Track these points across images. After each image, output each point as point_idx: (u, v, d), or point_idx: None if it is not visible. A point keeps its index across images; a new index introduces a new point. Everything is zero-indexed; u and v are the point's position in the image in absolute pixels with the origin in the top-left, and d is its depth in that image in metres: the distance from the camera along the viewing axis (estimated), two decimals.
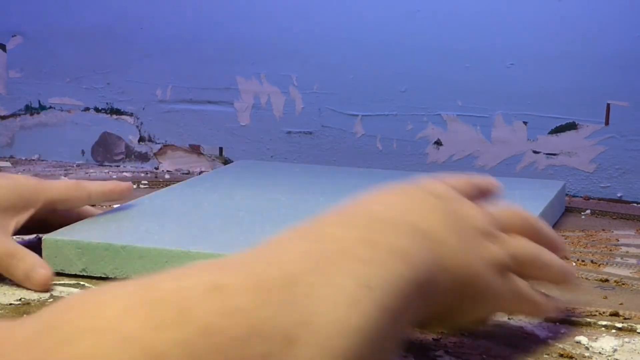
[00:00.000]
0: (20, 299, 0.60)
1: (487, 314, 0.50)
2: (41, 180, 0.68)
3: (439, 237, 0.43)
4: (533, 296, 0.52)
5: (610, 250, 0.74)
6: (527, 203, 0.75)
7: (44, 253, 0.64)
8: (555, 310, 0.54)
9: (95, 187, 0.69)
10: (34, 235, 0.71)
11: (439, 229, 0.44)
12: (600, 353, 0.51)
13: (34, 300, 0.59)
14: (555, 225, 0.82)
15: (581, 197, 0.95)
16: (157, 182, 1.00)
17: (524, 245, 0.51)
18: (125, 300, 0.29)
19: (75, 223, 0.68)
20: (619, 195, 0.94)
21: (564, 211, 0.88)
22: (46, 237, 0.64)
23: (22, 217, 0.64)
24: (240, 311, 0.30)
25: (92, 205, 0.73)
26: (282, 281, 0.33)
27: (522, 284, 0.50)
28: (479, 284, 0.46)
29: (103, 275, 0.63)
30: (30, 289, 0.61)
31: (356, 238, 0.38)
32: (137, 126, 1.11)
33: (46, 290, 0.61)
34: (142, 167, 1.10)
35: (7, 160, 1.12)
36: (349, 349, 0.32)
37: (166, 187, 0.85)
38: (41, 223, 0.67)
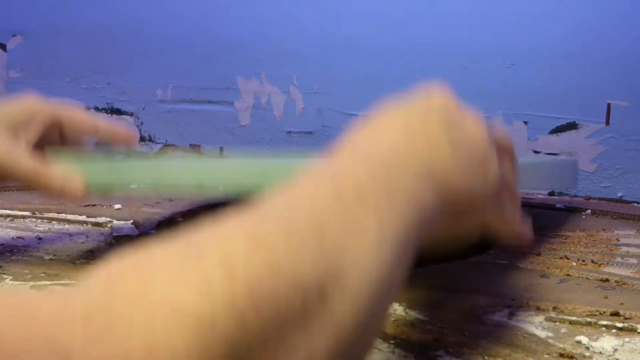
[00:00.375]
0: None
1: (475, 237, 0.50)
2: (44, 99, 0.68)
3: (444, 171, 0.44)
4: (517, 221, 0.52)
5: (611, 250, 0.74)
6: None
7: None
8: (530, 239, 0.54)
9: (105, 121, 0.69)
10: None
11: (444, 164, 0.44)
12: (600, 353, 0.51)
13: None
14: (554, 224, 0.82)
15: (582, 196, 0.95)
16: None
17: (511, 174, 0.52)
18: (172, 268, 0.30)
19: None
20: (619, 195, 0.94)
21: (565, 210, 0.88)
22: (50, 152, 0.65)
23: (36, 131, 0.64)
24: (280, 269, 0.31)
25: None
26: (312, 234, 0.34)
27: (510, 206, 0.51)
28: (476, 211, 0.47)
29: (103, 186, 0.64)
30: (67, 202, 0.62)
31: (370, 179, 0.39)
32: (138, 126, 1.11)
33: (83, 198, 0.62)
34: None
35: None
36: (371, 296, 0.35)
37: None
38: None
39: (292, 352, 0.30)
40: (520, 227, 0.53)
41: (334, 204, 0.37)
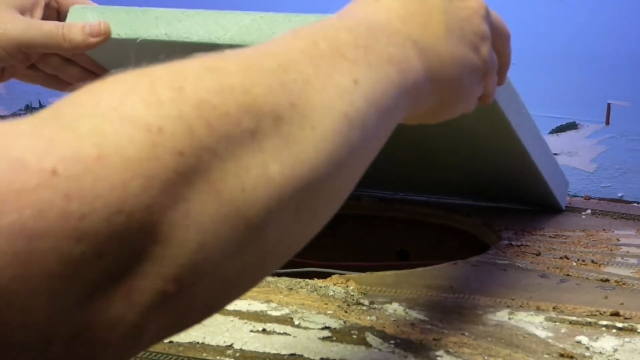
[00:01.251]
0: None
1: (460, 112, 0.51)
2: None
3: (433, 48, 0.45)
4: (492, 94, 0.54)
5: (611, 250, 0.74)
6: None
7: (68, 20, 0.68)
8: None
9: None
10: None
11: (434, 40, 0.45)
12: (600, 353, 0.51)
13: None
14: (554, 224, 0.82)
15: (582, 196, 0.95)
16: None
17: (506, 56, 0.54)
18: (124, 85, 0.30)
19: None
20: (619, 195, 0.94)
21: (565, 210, 0.88)
22: (74, 7, 0.68)
23: (40, 14, 0.67)
24: (232, 89, 0.32)
25: None
26: (274, 68, 0.35)
27: (491, 87, 0.53)
28: (461, 91, 0.48)
29: (118, 37, 0.66)
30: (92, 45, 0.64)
31: (350, 42, 0.40)
32: None
33: (106, 38, 0.65)
34: None
35: None
36: (335, 131, 0.35)
37: None
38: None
39: (244, 169, 0.31)
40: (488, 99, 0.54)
41: (306, 50, 0.38)
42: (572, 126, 0.95)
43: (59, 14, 0.70)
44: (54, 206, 0.26)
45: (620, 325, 0.55)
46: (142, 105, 0.29)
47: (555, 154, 0.96)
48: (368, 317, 0.56)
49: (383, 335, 0.53)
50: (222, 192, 0.30)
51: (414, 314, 0.57)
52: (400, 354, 0.51)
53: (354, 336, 0.53)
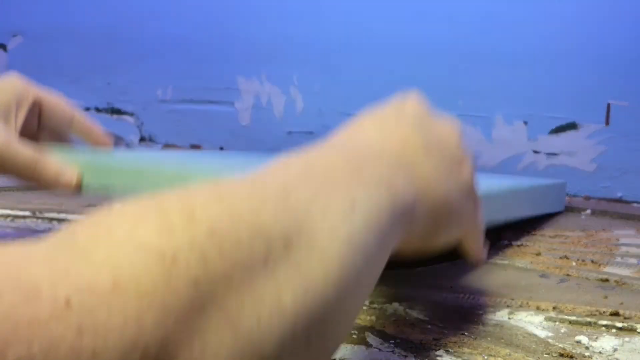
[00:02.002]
0: None
1: (455, 238, 0.51)
2: (28, 81, 0.68)
3: (417, 166, 0.46)
4: (482, 238, 0.54)
5: (611, 250, 0.74)
6: (515, 179, 0.77)
7: None
8: (484, 261, 0.56)
9: (82, 116, 0.69)
10: None
11: (416, 159, 0.46)
12: (600, 352, 0.51)
13: None
14: (554, 224, 0.82)
15: (581, 196, 0.95)
16: None
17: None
18: (136, 211, 0.30)
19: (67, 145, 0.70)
20: (619, 195, 0.94)
21: (564, 210, 0.88)
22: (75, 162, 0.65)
23: (23, 116, 0.65)
24: (240, 215, 0.32)
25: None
26: (276, 194, 0.35)
27: (480, 218, 0.53)
28: (453, 210, 0.48)
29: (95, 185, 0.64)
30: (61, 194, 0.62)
31: (341, 165, 0.40)
32: (138, 126, 1.11)
33: (77, 191, 0.62)
34: None
35: None
36: (341, 256, 0.35)
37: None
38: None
39: (259, 297, 0.31)
40: (482, 247, 0.55)
41: (302, 175, 0.38)
42: (572, 126, 0.95)
43: (40, 117, 0.68)
44: (66, 340, 0.25)
45: (620, 325, 0.55)
46: (155, 232, 0.29)
47: (555, 154, 0.96)
48: (368, 317, 0.56)
49: (383, 335, 0.53)
50: (238, 325, 0.30)
51: (414, 314, 0.57)
52: (400, 354, 0.51)
53: (354, 336, 0.53)
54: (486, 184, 0.70)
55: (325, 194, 0.37)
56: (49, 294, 0.25)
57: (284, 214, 0.34)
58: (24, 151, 0.62)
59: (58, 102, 0.68)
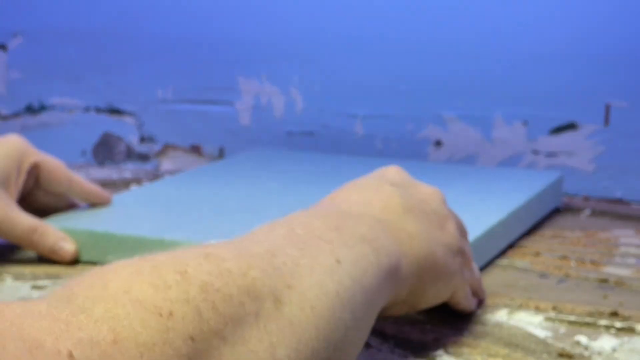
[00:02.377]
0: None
1: (444, 296, 0.51)
2: (28, 144, 0.68)
3: (398, 226, 0.46)
4: (475, 282, 0.55)
5: (610, 250, 0.74)
6: (511, 194, 0.77)
7: None
8: (476, 306, 0.57)
9: (79, 180, 0.70)
10: None
11: (397, 218, 0.47)
12: (599, 353, 0.51)
13: None
14: (553, 224, 0.82)
15: (581, 197, 0.95)
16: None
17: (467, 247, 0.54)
18: (129, 269, 0.31)
19: (66, 211, 0.70)
20: (618, 195, 0.94)
21: (564, 210, 0.88)
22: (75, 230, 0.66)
23: (22, 181, 0.65)
24: (230, 273, 0.33)
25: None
26: (264, 253, 0.36)
27: (475, 270, 0.55)
28: (438, 268, 0.49)
29: (90, 261, 0.65)
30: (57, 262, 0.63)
31: (323, 226, 0.42)
32: (138, 126, 1.11)
33: (73, 262, 0.63)
34: (142, 167, 1.10)
35: None
36: (331, 311, 0.36)
37: (168, 176, 0.86)
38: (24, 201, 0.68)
39: (254, 352, 0.31)
40: (471, 300, 0.55)
41: (286, 236, 0.39)
42: (571, 126, 0.95)
43: (38, 179, 0.68)
44: None
45: (619, 325, 0.55)
46: (150, 288, 0.30)
47: (554, 154, 0.96)
48: None
49: (383, 335, 0.53)
50: None
51: (414, 314, 0.57)
52: (400, 354, 0.51)
53: None
54: (485, 215, 0.70)
55: (310, 252, 0.38)
56: (52, 347, 0.26)
57: (272, 272, 0.34)
58: (22, 221, 0.63)
59: (56, 167, 0.69)
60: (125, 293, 0.29)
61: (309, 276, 0.36)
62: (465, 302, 0.55)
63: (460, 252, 0.51)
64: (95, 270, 0.31)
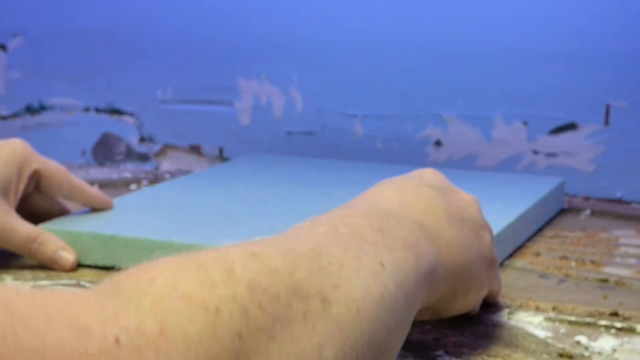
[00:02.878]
0: None
1: (470, 306, 0.51)
2: (30, 149, 0.67)
3: (438, 232, 0.46)
4: (497, 292, 0.56)
5: (610, 250, 0.74)
6: (517, 199, 0.76)
7: None
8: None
9: (80, 185, 0.69)
10: None
11: (437, 224, 0.46)
12: (599, 353, 0.51)
13: None
14: (553, 225, 0.82)
15: (581, 197, 0.95)
16: (157, 183, 1.00)
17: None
18: (175, 265, 0.31)
19: (68, 215, 0.69)
20: (618, 195, 0.94)
21: (564, 211, 0.88)
22: (39, 227, 0.65)
23: (23, 187, 0.65)
24: (277, 272, 0.33)
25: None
26: (308, 252, 0.36)
27: (497, 283, 0.55)
28: (472, 278, 0.49)
29: (93, 264, 0.65)
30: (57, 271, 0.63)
31: (366, 226, 0.41)
32: (138, 126, 1.11)
33: (72, 271, 0.63)
34: (142, 167, 1.10)
35: None
36: (376, 314, 0.36)
37: (171, 180, 0.86)
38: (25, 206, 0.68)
39: (302, 351, 0.31)
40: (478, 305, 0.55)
41: (329, 235, 0.39)
42: (571, 126, 0.95)
43: (38, 184, 0.68)
44: None
45: (619, 325, 0.55)
46: (197, 284, 0.30)
47: (554, 154, 0.96)
48: None
49: None
50: None
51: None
52: (400, 354, 0.51)
53: None
54: (493, 219, 0.70)
55: (355, 254, 0.38)
56: (99, 333, 0.26)
57: (318, 273, 0.34)
58: (22, 229, 0.63)
59: (57, 172, 0.68)
60: (172, 288, 0.29)
61: (354, 278, 0.36)
62: (475, 307, 0.55)
63: (493, 264, 0.51)
64: (141, 266, 0.31)
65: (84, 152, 1.13)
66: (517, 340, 0.53)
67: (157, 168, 1.10)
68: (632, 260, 0.71)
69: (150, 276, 0.30)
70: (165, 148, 1.10)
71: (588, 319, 0.56)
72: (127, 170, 1.09)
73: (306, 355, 0.31)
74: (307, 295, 0.33)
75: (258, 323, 0.30)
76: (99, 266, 0.65)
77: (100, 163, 1.12)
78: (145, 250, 0.63)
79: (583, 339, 0.53)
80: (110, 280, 0.31)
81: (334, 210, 0.44)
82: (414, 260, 0.41)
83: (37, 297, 0.27)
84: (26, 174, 0.65)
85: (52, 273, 0.64)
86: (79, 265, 0.65)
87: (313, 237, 0.38)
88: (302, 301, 0.32)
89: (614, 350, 0.51)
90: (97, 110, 1.12)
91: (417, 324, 0.55)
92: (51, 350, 0.25)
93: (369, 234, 0.40)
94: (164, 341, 0.27)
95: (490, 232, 0.51)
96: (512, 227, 0.70)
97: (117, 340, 0.26)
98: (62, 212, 0.71)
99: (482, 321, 0.56)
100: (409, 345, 0.52)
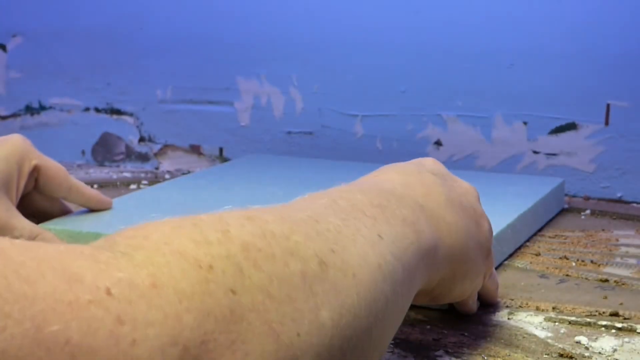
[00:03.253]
0: None
1: (467, 294, 0.51)
2: (30, 144, 0.67)
3: (439, 215, 0.46)
4: (494, 287, 0.56)
5: (610, 250, 0.74)
6: (517, 199, 0.76)
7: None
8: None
9: (79, 185, 0.69)
10: None
11: (438, 207, 0.47)
12: (600, 353, 0.51)
13: None
14: (554, 225, 0.82)
15: (581, 197, 0.95)
16: (157, 182, 1.00)
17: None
18: (171, 224, 0.32)
19: (68, 214, 0.69)
20: (618, 195, 0.94)
21: (564, 211, 0.88)
22: (40, 226, 0.65)
23: (23, 183, 0.65)
24: (273, 235, 0.33)
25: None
26: (306, 218, 0.36)
27: (495, 276, 0.55)
28: (470, 264, 0.49)
29: None
30: None
31: (366, 201, 0.41)
32: (138, 126, 1.11)
33: None
34: (142, 167, 1.10)
35: None
36: (373, 282, 0.36)
37: (170, 180, 0.86)
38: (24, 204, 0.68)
39: (299, 313, 0.31)
40: (476, 301, 0.56)
41: (329, 206, 0.39)
42: (571, 126, 0.95)
43: (37, 181, 0.67)
44: (105, 326, 0.25)
45: (619, 325, 0.55)
46: (191, 242, 0.30)
47: (554, 154, 0.96)
48: None
49: None
50: (280, 335, 0.30)
51: (414, 314, 0.57)
52: (400, 354, 0.51)
53: None
54: (493, 219, 0.70)
55: (353, 223, 0.38)
56: (91, 282, 0.26)
57: (315, 237, 0.35)
58: (22, 227, 0.62)
59: (56, 171, 0.67)
60: (165, 244, 0.30)
61: (351, 245, 0.36)
62: (473, 304, 0.55)
63: (489, 254, 0.51)
64: (138, 225, 0.32)
65: (83, 152, 1.13)
66: (517, 340, 0.53)
67: (157, 168, 1.10)
68: (632, 260, 0.71)
69: (145, 233, 0.30)
70: (165, 148, 1.10)
71: (588, 319, 0.56)
72: (127, 170, 1.09)
73: (303, 315, 0.31)
74: (304, 257, 0.33)
75: (253, 280, 0.30)
76: None
77: (100, 163, 1.12)
78: None
79: (583, 339, 0.53)
80: (107, 238, 0.31)
81: (334, 187, 0.44)
82: (414, 237, 0.42)
83: (31, 246, 0.27)
84: (26, 170, 0.65)
85: None
86: None
87: (311, 207, 0.38)
88: (298, 262, 0.32)
89: (614, 351, 0.51)
90: (97, 110, 1.12)
91: (417, 323, 0.55)
92: (41, 298, 0.25)
93: (368, 208, 0.40)
94: (156, 293, 0.27)
95: (489, 222, 0.52)
96: (512, 227, 0.70)
97: (108, 291, 0.26)
98: (63, 212, 0.70)
99: (482, 321, 0.56)
100: (409, 345, 0.52)
